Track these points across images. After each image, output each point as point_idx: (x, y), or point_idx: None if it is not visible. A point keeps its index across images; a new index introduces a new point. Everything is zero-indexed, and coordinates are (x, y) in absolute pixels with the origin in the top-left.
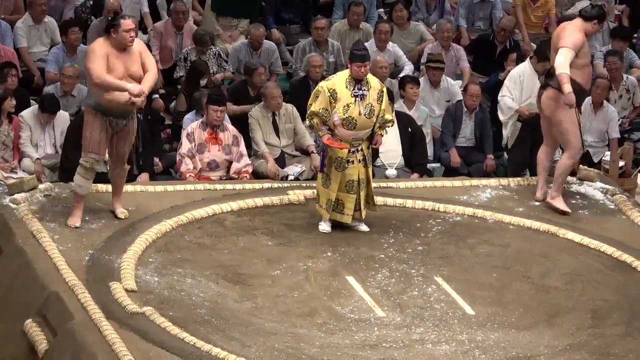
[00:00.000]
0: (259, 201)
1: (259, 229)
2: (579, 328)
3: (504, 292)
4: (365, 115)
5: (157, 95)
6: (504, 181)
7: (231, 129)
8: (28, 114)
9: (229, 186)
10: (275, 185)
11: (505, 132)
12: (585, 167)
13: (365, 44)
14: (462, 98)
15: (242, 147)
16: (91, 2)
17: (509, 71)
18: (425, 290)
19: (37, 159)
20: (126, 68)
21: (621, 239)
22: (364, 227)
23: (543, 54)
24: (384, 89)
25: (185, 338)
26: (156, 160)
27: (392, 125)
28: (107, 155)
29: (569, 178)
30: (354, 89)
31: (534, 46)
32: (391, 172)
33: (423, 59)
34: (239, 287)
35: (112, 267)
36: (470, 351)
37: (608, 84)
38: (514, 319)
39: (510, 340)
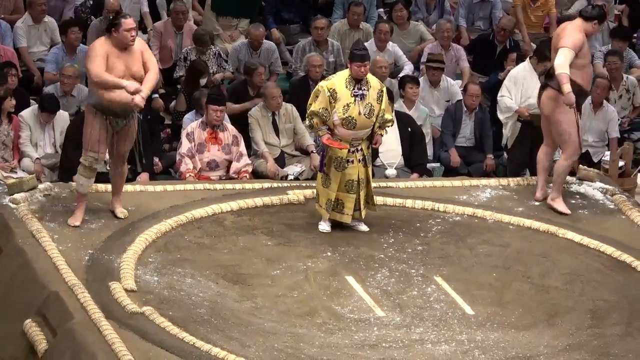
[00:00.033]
0: (258, 201)
1: (259, 228)
2: (578, 328)
3: (503, 292)
4: (365, 115)
5: (157, 95)
6: (503, 181)
7: (231, 128)
8: (28, 113)
9: (228, 186)
10: (275, 185)
11: (505, 132)
12: (585, 167)
13: (365, 43)
14: (461, 98)
15: (242, 147)
16: (91, 2)
17: (509, 71)
18: (424, 290)
19: (37, 158)
20: (127, 67)
21: (621, 239)
22: (363, 227)
23: (543, 54)
24: (384, 89)
25: (185, 338)
26: (156, 160)
27: (392, 125)
28: (107, 155)
29: (569, 178)
30: (353, 89)
31: (534, 46)
32: (391, 171)
33: (423, 59)
34: (238, 287)
35: (111, 267)
36: (470, 351)
37: (608, 83)
38: (514, 319)
39: (509, 340)
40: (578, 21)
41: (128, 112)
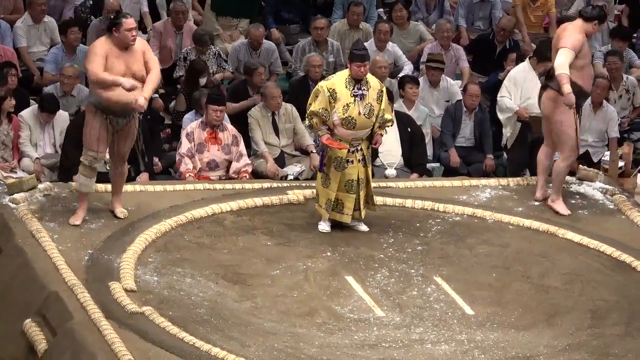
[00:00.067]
0: (258, 201)
1: (259, 228)
2: (578, 328)
3: (503, 292)
4: (364, 115)
5: (156, 95)
6: (503, 181)
7: (231, 128)
8: (27, 113)
9: (228, 186)
10: (275, 185)
11: (505, 132)
12: (585, 167)
13: (365, 43)
14: (461, 98)
15: (242, 147)
16: (91, 2)
17: (509, 71)
18: (424, 290)
19: (37, 158)
20: (128, 67)
21: (621, 239)
22: (363, 227)
23: (543, 55)
24: (384, 89)
25: (185, 338)
26: (156, 160)
27: (391, 125)
28: (107, 154)
29: (568, 178)
30: (353, 89)
31: (534, 46)
32: (391, 171)
33: (423, 59)
34: (238, 287)
35: (111, 267)
36: (470, 351)
37: (607, 83)
38: (514, 319)
39: (509, 340)
40: (578, 22)
41: (128, 112)
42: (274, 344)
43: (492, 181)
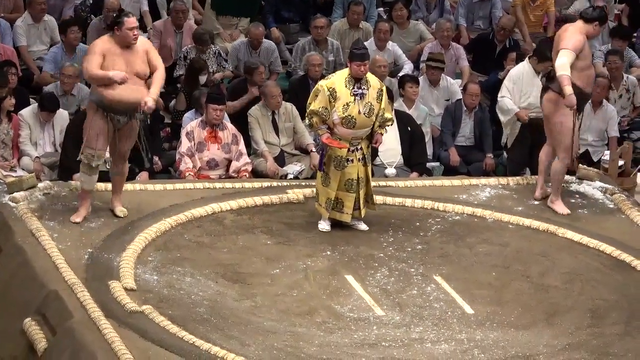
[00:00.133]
0: (258, 200)
1: (259, 227)
2: (578, 327)
3: (503, 291)
4: (364, 114)
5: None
6: (503, 180)
7: (230, 127)
8: (27, 112)
9: (228, 185)
10: (275, 184)
11: (505, 132)
12: (585, 166)
13: (365, 43)
14: (461, 97)
15: (242, 146)
16: (91, 1)
17: (509, 70)
18: (424, 289)
19: (37, 157)
20: (129, 66)
21: (620, 238)
22: (363, 226)
23: (543, 54)
24: (384, 88)
25: (185, 337)
26: (156, 158)
27: (391, 124)
28: (107, 153)
29: (568, 177)
30: (353, 88)
31: (535, 46)
32: (390, 171)
33: (423, 58)
34: (238, 286)
35: (111, 266)
36: (470, 350)
37: (607, 83)
38: (513, 318)
39: (509, 339)
40: (579, 23)
41: (129, 110)
42: (274, 343)
43: (492, 180)
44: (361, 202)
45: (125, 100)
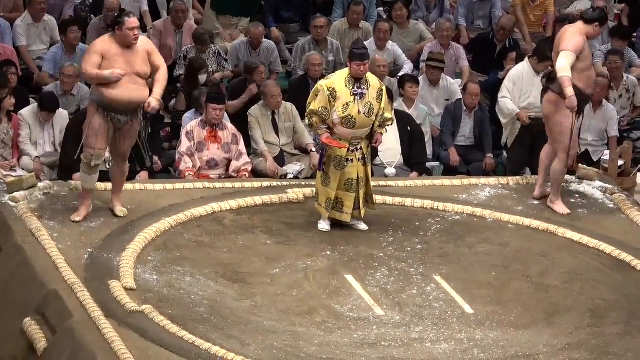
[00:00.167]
0: (258, 200)
1: (258, 227)
2: (577, 327)
3: (503, 291)
4: (364, 113)
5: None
6: (503, 180)
7: (230, 127)
8: (27, 112)
9: (228, 185)
10: (275, 183)
11: (505, 132)
12: (585, 166)
13: (365, 42)
14: (461, 97)
15: (242, 146)
16: (91, 1)
17: (509, 70)
18: (424, 289)
19: (37, 157)
20: (130, 65)
21: (620, 238)
22: (363, 226)
23: (543, 54)
24: (383, 88)
25: (184, 336)
26: (155, 158)
27: (391, 124)
28: (107, 153)
29: (568, 177)
30: (353, 88)
31: (535, 45)
32: (390, 170)
33: (423, 57)
34: (238, 286)
35: (111, 266)
36: (469, 350)
37: (607, 82)
38: (513, 317)
39: (509, 339)
40: (579, 24)
41: (129, 110)
42: (274, 343)
43: (492, 180)
44: (361, 201)
45: (126, 99)
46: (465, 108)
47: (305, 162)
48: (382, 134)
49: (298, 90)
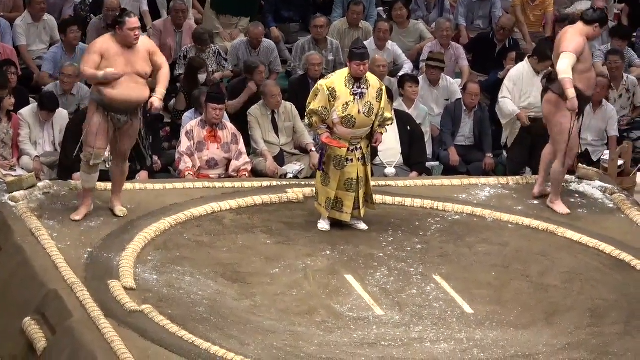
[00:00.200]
0: (257, 199)
1: (258, 227)
2: (577, 327)
3: (502, 290)
4: (364, 113)
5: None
6: (503, 180)
7: (230, 127)
8: (27, 111)
9: (227, 184)
10: (274, 183)
11: (505, 132)
12: (584, 165)
13: (365, 42)
14: (461, 97)
15: (241, 145)
16: (90, 0)
17: (509, 70)
18: (424, 288)
19: (36, 156)
20: (130, 65)
21: (620, 237)
22: (362, 226)
23: (543, 54)
24: (383, 88)
25: (184, 336)
26: (155, 158)
27: (391, 124)
28: (107, 152)
29: (568, 177)
30: (353, 87)
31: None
32: (390, 170)
33: (423, 57)
34: (237, 285)
35: (110, 265)
36: (469, 350)
37: (607, 82)
38: (513, 317)
39: (509, 339)
40: (579, 25)
41: (130, 109)
42: (273, 343)
43: (492, 180)
44: (361, 201)
45: (126, 99)
46: (465, 108)
47: (305, 161)
48: (382, 133)
49: (298, 90)
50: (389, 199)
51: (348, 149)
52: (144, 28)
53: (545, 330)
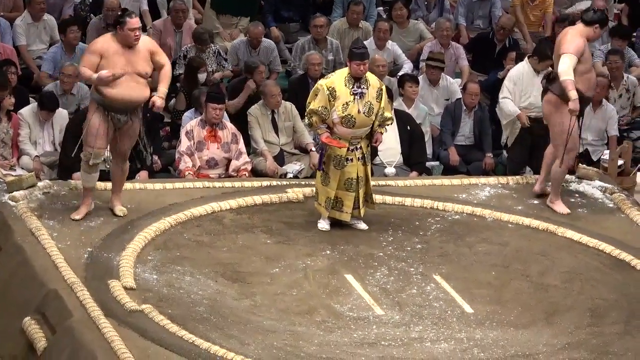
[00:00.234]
0: (257, 199)
1: (258, 227)
2: (577, 326)
3: (502, 290)
4: (364, 113)
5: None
6: (502, 179)
7: (230, 126)
8: (27, 111)
9: (227, 184)
10: (274, 183)
11: (505, 131)
12: (584, 165)
13: (365, 42)
14: (461, 96)
15: (241, 145)
16: (90, 0)
17: (509, 70)
18: (424, 288)
19: (36, 156)
20: (131, 65)
21: (620, 237)
22: (362, 225)
23: (543, 53)
24: (383, 87)
25: (184, 336)
26: (155, 158)
27: (391, 124)
28: (107, 152)
29: (568, 177)
30: (353, 87)
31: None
32: (390, 170)
33: (423, 57)
34: (237, 285)
35: (110, 265)
36: (469, 349)
37: (607, 82)
38: (513, 317)
39: (509, 338)
40: (579, 26)
41: (130, 109)
42: (273, 342)
43: (492, 180)
44: (361, 201)
45: (126, 99)
46: (465, 107)
47: (305, 161)
48: (382, 133)
49: (298, 90)
50: (389, 199)
51: (348, 148)
52: (143, 28)
53: (545, 330)
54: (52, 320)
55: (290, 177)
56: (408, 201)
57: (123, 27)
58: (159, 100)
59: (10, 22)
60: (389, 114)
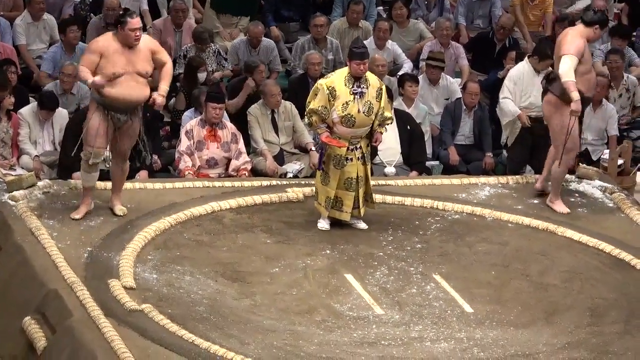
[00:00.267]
0: (257, 199)
1: (258, 226)
2: (577, 326)
3: (502, 290)
4: (364, 113)
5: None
6: (502, 179)
7: (230, 126)
8: (27, 111)
9: (227, 184)
10: (274, 182)
11: (505, 131)
12: (584, 165)
13: (365, 41)
14: (461, 96)
15: (241, 145)
16: (90, 0)
17: (509, 69)
18: (424, 288)
19: (36, 156)
20: (131, 64)
21: (620, 237)
22: (362, 225)
23: (543, 53)
24: (383, 87)
25: (184, 335)
26: (155, 157)
27: (391, 123)
28: (107, 152)
29: (567, 176)
30: (352, 87)
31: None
32: (390, 169)
33: (423, 56)
34: (237, 285)
35: (110, 265)
36: (469, 349)
37: (607, 82)
38: (513, 316)
39: (508, 338)
40: (579, 27)
41: (130, 109)
42: (273, 342)
43: (492, 179)
44: (360, 200)
45: (126, 98)
46: (464, 107)
47: (305, 161)
48: (381, 133)
49: (297, 89)
50: (388, 198)
51: (348, 148)
52: (144, 27)
53: (545, 330)
54: (52, 320)
55: (290, 177)
56: (408, 201)
57: (124, 27)
58: (159, 97)
59: (10, 22)
60: (388, 113)
